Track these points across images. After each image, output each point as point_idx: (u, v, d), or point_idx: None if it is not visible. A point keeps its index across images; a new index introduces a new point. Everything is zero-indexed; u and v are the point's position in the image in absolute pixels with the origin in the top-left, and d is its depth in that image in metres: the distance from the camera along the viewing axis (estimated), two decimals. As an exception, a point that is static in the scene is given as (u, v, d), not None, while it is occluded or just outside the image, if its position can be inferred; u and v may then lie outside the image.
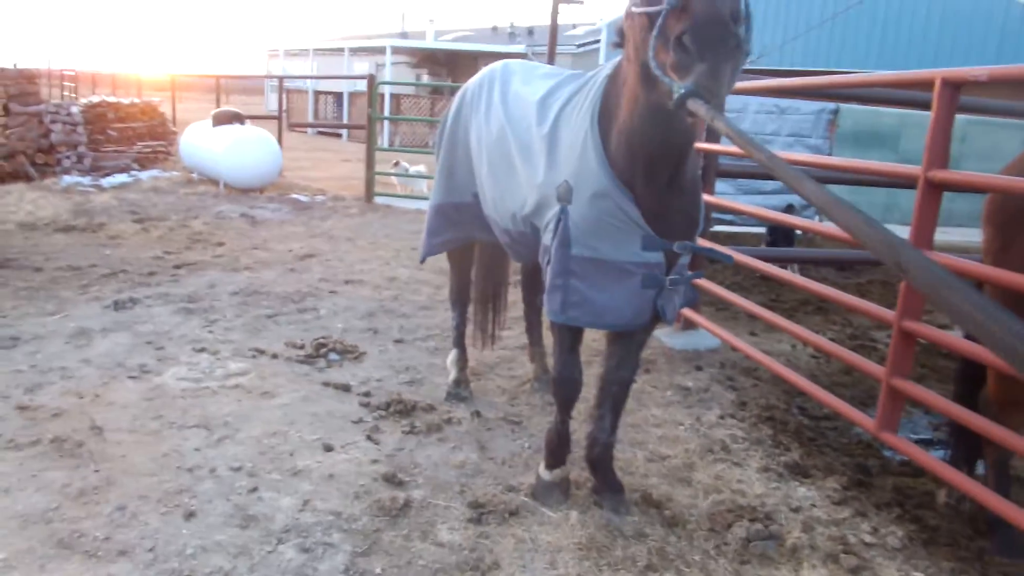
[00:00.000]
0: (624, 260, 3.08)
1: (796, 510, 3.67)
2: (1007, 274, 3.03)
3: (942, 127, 3.37)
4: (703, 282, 5.82)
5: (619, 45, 3.01)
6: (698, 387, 5.21)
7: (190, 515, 3.22)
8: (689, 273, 3.31)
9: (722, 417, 4.73)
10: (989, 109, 5.88)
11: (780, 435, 4.52)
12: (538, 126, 3.43)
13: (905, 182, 3.92)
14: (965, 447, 3.82)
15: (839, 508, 3.71)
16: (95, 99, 15.23)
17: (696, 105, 2.40)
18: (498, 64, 4.13)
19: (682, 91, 2.41)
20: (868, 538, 3.48)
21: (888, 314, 3.73)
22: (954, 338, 3.52)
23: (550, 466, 3.58)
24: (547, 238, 3.24)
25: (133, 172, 13.69)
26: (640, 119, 2.88)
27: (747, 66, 5.57)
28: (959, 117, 10.56)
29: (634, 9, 2.67)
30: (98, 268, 7.20)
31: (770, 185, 10.37)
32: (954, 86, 3.35)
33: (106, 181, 12.67)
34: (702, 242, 5.33)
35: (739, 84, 5.48)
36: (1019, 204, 3.14)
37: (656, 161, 2.94)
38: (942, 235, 10.35)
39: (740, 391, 5.22)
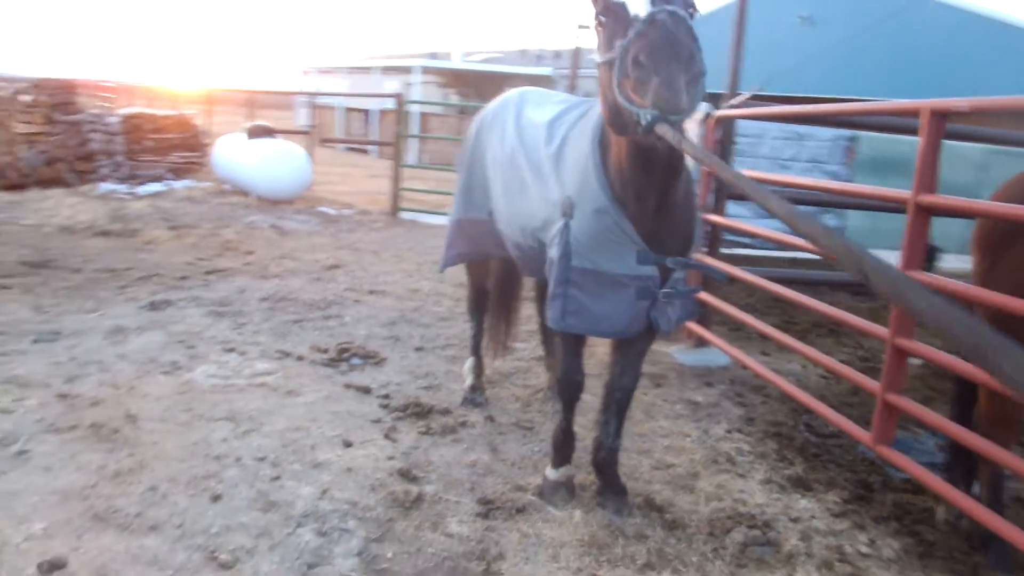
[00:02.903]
0: (620, 272, 3.29)
1: (795, 520, 3.79)
2: (992, 294, 3.18)
3: (930, 154, 3.55)
4: (716, 302, 5.98)
5: None
6: (708, 402, 5.36)
7: (216, 498, 3.43)
8: (685, 288, 3.48)
9: (729, 431, 4.86)
10: (976, 137, 6.01)
11: (785, 450, 4.65)
12: (546, 146, 3.66)
13: (896, 206, 4.08)
14: (963, 465, 3.94)
15: (838, 520, 3.83)
16: (133, 110, 15.65)
17: (663, 129, 2.59)
18: (515, 91, 4.37)
19: (648, 117, 2.61)
20: (864, 549, 3.60)
21: (881, 331, 3.88)
22: (946, 356, 3.65)
23: (556, 465, 3.76)
24: (552, 252, 3.44)
25: (167, 181, 14.05)
26: (627, 158, 3.13)
27: (759, 92, 5.76)
28: (980, 147, 10.59)
29: (598, 59, 2.93)
30: (134, 271, 7.49)
31: (789, 211, 10.54)
32: (940, 115, 3.52)
33: (141, 189, 13.04)
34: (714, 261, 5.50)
35: (729, 111, 5.68)
36: (1004, 228, 3.30)
37: (643, 189, 3.17)
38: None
39: (748, 407, 5.35)
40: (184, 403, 4.43)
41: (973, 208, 3.38)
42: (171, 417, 4.23)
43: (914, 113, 3.79)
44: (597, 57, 2.96)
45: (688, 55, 2.57)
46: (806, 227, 1.59)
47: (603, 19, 2.89)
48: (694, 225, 3.50)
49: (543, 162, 3.67)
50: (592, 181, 3.26)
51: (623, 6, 2.79)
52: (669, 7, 2.66)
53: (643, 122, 2.64)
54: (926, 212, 3.65)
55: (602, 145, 3.29)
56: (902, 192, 3.81)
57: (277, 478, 3.65)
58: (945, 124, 3.60)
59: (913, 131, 6.17)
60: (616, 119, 2.95)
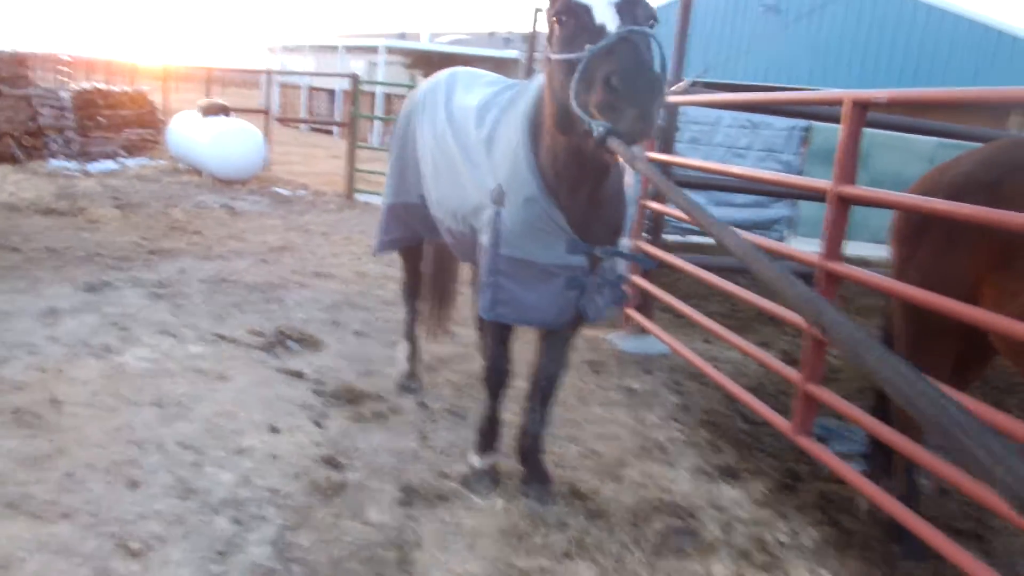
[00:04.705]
0: (549, 262, 3.29)
1: (719, 509, 3.84)
2: (905, 287, 3.24)
3: (850, 144, 3.60)
4: (655, 289, 6.02)
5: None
6: (644, 389, 5.40)
7: (134, 485, 3.39)
8: (613, 276, 3.50)
9: (663, 419, 4.91)
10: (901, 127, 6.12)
11: (717, 438, 4.71)
12: (476, 130, 3.63)
13: (817, 196, 4.14)
14: (883, 455, 4.02)
15: (762, 509, 3.89)
16: (85, 85, 15.35)
17: (615, 144, 2.58)
18: (446, 72, 4.33)
19: (601, 130, 2.59)
20: (784, 538, 3.66)
21: (801, 322, 3.93)
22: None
23: (481, 453, 3.78)
24: (483, 239, 3.44)
25: (120, 159, 13.81)
26: (562, 151, 3.12)
27: (700, 79, 5.80)
28: (931, 140, 10.73)
29: (552, 56, 2.87)
30: (74, 251, 7.35)
31: (741, 199, 10.59)
32: (861, 106, 3.57)
33: (92, 166, 12.80)
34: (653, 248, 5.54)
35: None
36: (920, 221, 3.36)
37: (576, 181, 3.17)
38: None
39: (685, 395, 5.41)
40: (111, 387, 4.37)
41: (891, 200, 3.44)
42: (97, 402, 4.17)
43: (838, 103, 3.83)
44: (550, 53, 2.92)
45: (658, 83, 2.57)
46: (762, 268, 1.57)
47: (563, 18, 2.84)
48: (624, 213, 3.52)
49: (474, 147, 3.64)
50: (523, 169, 3.25)
51: (587, 9, 2.75)
52: (638, 27, 2.64)
53: (595, 133, 2.63)
54: (846, 203, 3.70)
55: (533, 133, 3.27)
56: (823, 182, 3.86)
57: (198, 464, 3.63)
58: (866, 115, 3.65)
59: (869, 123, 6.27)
60: (563, 120, 2.91)
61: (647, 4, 2.83)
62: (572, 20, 2.79)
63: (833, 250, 3.69)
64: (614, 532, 3.51)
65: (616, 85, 2.53)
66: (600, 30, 2.69)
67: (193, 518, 3.19)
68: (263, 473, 3.62)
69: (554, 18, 2.88)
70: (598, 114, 2.62)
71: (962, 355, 3.43)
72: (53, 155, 12.94)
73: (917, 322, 3.40)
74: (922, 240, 3.33)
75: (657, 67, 2.62)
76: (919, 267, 3.32)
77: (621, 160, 2.71)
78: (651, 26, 2.81)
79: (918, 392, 1.21)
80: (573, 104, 2.71)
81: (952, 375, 3.44)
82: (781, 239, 11.09)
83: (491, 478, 3.75)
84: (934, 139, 11.53)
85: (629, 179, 6.18)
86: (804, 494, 4.09)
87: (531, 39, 9.20)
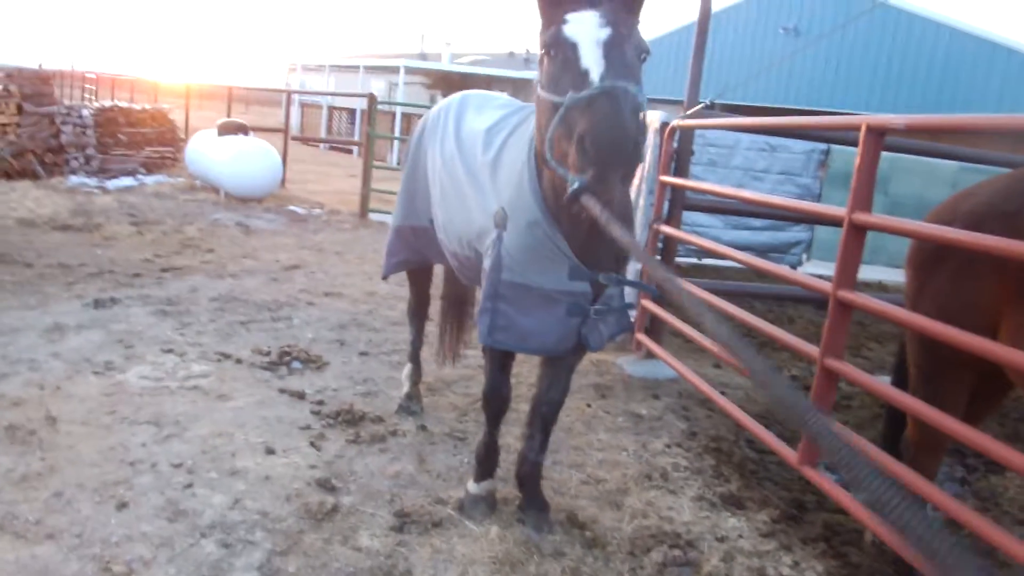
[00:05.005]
0: (551, 288, 3.22)
1: (721, 539, 3.75)
2: (918, 318, 3.15)
3: (867, 171, 3.51)
4: (664, 313, 5.93)
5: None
6: (651, 415, 5.31)
7: (122, 505, 3.35)
8: (618, 303, 3.43)
9: (669, 446, 4.82)
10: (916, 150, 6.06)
11: (722, 466, 4.61)
12: (483, 154, 3.59)
13: (832, 222, 4.05)
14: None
15: (765, 540, 3.79)
16: (107, 103, 15.53)
17: (588, 202, 2.54)
18: (458, 95, 4.31)
19: (576, 184, 2.56)
20: (787, 571, 3.55)
21: (812, 350, 3.84)
22: (874, 380, 3.62)
23: (478, 478, 3.71)
24: (486, 263, 3.38)
25: (139, 176, 13.94)
26: (559, 180, 3.03)
27: (717, 101, 5.74)
28: (952, 164, 10.61)
29: (539, 92, 2.85)
30: (87, 267, 7.39)
31: (759, 222, 10.47)
32: (878, 133, 3.49)
33: (111, 183, 12.93)
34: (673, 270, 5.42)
35: (684, 121, 5.67)
36: (934, 249, 3.27)
37: (577, 208, 3.09)
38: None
39: (692, 421, 5.31)
40: (109, 405, 4.35)
41: (907, 228, 3.35)
42: (93, 420, 4.15)
43: (855, 128, 3.76)
44: (538, 87, 2.88)
45: (632, 147, 2.51)
46: (744, 358, 1.49)
47: (551, 52, 2.79)
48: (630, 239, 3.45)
49: (479, 170, 3.61)
50: (526, 193, 3.20)
51: (574, 47, 2.70)
52: (620, 83, 2.57)
53: (569, 187, 2.59)
54: (861, 230, 3.62)
55: (538, 157, 3.22)
56: (837, 209, 3.78)
57: (190, 486, 3.58)
58: (883, 140, 3.57)
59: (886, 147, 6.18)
60: (542, 157, 2.90)
61: (639, 39, 2.78)
62: (560, 56, 2.75)
63: (846, 277, 3.59)
64: (611, 562, 3.43)
65: (588, 148, 2.50)
66: (584, 76, 2.63)
67: (180, 541, 3.15)
68: (255, 495, 3.57)
69: (543, 50, 2.84)
70: (572, 169, 2.60)
71: (978, 387, 3.32)
72: (73, 172, 13.09)
73: (932, 352, 3.30)
74: (939, 269, 3.24)
75: (632, 124, 2.54)
76: (935, 296, 3.22)
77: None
78: (643, 59, 2.78)
79: (914, 524, 1.14)
80: (548, 155, 2.73)
81: (968, 407, 3.33)
82: (799, 263, 10.97)
83: (487, 504, 3.68)
84: (956, 163, 11.41)
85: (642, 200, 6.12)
86: (809, 525, 3.99)
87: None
